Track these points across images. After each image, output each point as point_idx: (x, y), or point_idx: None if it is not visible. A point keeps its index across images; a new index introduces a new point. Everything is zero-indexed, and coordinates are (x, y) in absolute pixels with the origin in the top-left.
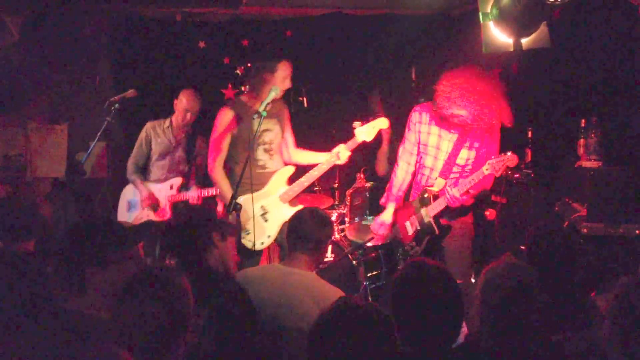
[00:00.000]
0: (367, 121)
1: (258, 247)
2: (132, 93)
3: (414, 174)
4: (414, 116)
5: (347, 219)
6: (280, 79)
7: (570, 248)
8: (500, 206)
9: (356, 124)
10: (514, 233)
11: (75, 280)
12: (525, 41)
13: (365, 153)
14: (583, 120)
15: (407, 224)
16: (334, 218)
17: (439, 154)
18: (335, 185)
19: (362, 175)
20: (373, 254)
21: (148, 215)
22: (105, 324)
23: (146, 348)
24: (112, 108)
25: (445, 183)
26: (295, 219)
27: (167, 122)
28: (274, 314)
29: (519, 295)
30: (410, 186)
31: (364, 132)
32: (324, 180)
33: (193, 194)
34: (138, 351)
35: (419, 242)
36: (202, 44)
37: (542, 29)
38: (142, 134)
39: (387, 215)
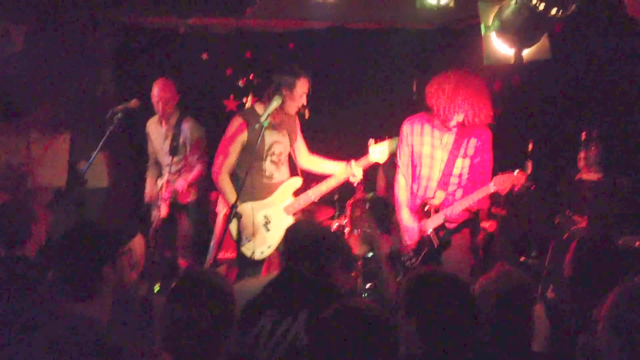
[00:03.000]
0: (382, 139)
1: (257, 256)
2: (134, 103)
3: (412, 186)
4: (405, 129)
5: (347, 230)
6: (298, 96)
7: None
8: (500, 218)
9: (371, 141)
10: (514, 245)
11: (91, 282)
12: (526, 53)
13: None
14: (583, 133)
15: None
16: (334, 229)
17: (434, 163)
18: (336, 197)
19: (362, 187)
20: (372, 265)
21: (156, 213)
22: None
23: (190, 350)
24: (115, 118)
25: (446, 195)
26: (292, 231)
27: (157, 116)
28: None
29: (513, 298)
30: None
31: (378, 151)
32: None
33: (180, 184)
34: (181, 353)
35: (417, 253)
36: (204, 56)
37: (543, 41)
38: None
39: (408, 221)
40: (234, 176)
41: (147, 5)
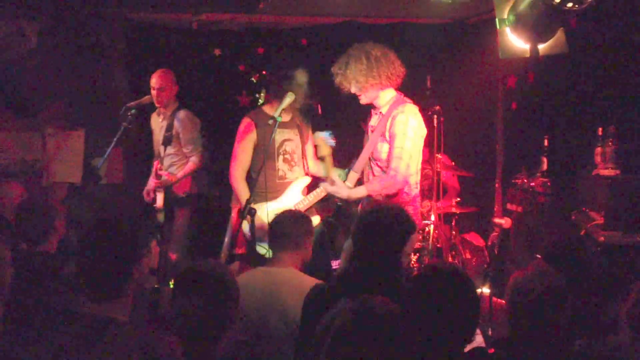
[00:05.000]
0: None
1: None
2: (148, 99)
3: None
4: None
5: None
6: (298, 88)
7: (584, 255)
8: (516, 215)
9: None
10: (530, 241)
11: (121, 282)
12: (542, 47)
13: None
14: (600, 129)
15: None
16: None
17: None
18: None
19: None
20: None
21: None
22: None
23: (195, 337)
24: (128, 114)
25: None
26: (273, 222)
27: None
28: (259, 316)
29: (550, 300)
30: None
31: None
32: None
33: (165, 179)
34: (188, 340)
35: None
36: (217, 52)
37: (559, 34)
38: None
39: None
40: (249, 176)
41: (159, 1)
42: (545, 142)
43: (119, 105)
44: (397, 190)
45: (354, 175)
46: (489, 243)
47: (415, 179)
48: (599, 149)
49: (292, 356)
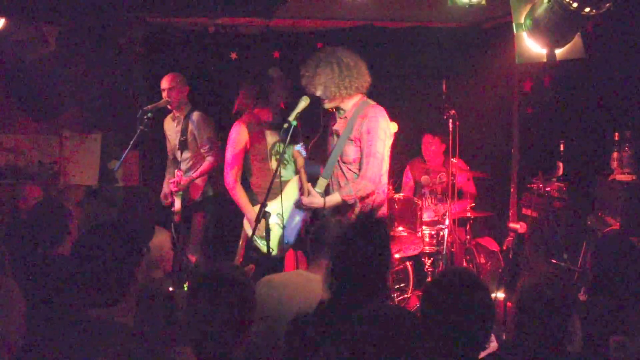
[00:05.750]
0: None
1: (276, 254)
2: (164, 103)
3: None
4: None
5: None
6: (281, 84)
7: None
8: (531, 220)
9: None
10: (546, 246)
11: (124, 286)
12: (559, 52)
13: (395, 164)
14: (616, 134)
15: None
16: None
17: None
18: None
19: (390, 187)
20: (401, 266)
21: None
22: (131, 333)
23: (212, 344)
24: (145, 117)
25: None
26: (318, 226)
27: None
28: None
29: (560, 303)
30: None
31: None
32: None
33: (183, 185)
34: (205, 346)
35: None
36: (233, 56)
37: (576, 39)
38: None
39: None
40: (243, 180)
41: (177, 5)
42: (561, 147)
43: (136, 108)
44: (372, 192)
45: (322, 182)
46: (504, 248)
47: (385, 179)
48: (615, 154)
49: None
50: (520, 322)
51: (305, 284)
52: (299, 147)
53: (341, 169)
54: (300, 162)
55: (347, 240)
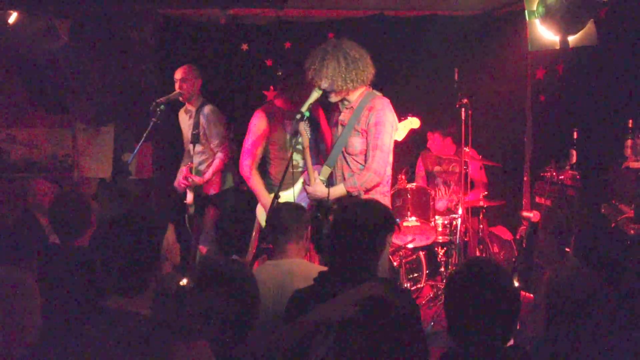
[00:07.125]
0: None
1: None
2: (177, 95)
3: None
4: None
5: None
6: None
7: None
8: (545, 208)
9: None
10: (559, 235)
11: (147, 276)
12: (572, 39)
13: (407, 154)
14: (630, 120)
15: None
16: None
17: None
18: None
19: (403, 177)
20: (414, 256)
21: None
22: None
23: (218, 338)
24: (158, 109)
25: None
26: (271, 215)
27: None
28: (275, 308)
29: (590, 300)
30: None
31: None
32: None
33: (194, 183)
34: (211, 341)
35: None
36: (245, 47)
37: (589, 26)
38: None
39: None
40: (262, 168)
41: None
42: (575, 135)
43: (149, 100)
44: (377, 184)
45: (326, 170)
46: (517, 237)
47: (389, 170)
48: (629, 142)
49: None
50: (550, 318)
51: (273, 272)
52: (304, 126)
53: (346, 160)
54: (306, 141)
55: (346, 210)
